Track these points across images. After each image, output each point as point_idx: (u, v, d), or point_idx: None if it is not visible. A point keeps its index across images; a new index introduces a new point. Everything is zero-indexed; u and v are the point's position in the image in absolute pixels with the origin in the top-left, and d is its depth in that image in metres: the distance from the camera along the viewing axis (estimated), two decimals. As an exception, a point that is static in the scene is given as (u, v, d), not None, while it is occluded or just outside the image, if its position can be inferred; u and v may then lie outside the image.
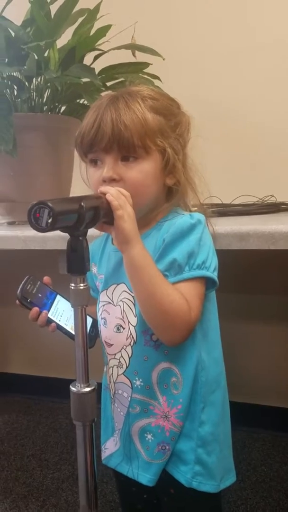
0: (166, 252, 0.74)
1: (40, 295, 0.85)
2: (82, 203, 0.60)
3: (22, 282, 0.84)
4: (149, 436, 0.81)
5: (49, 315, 0.84)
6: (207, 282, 0.76)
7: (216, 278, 0.76)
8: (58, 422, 1.90)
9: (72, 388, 0.64)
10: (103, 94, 0.81)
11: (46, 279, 0.88)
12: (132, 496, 0.90)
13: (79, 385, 0.64)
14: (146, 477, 0.81)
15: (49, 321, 0.84)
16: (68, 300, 0.84)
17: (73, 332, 0.82)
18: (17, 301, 0.83)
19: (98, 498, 1.40)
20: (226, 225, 1.00)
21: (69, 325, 0.84)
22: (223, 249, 0.98)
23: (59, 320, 0.84)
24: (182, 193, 0.81)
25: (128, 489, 0.84)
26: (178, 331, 0.72)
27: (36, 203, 0.55)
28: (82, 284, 0.62)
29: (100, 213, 0.65)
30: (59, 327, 0.84)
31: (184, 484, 0.79)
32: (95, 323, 0.89)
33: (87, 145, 0.77)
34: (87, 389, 0.63)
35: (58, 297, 0.88)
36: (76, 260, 0.62)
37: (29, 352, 2.14)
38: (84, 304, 0.63)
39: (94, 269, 0.90)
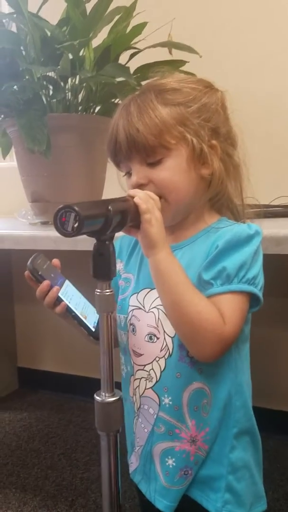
0: (217, 260, 0.70)
1: (50, 273, 0.80)
2: (110, 207, 0.58)
3: (32, 257, 0.78)
4: (170, 461, 0.75)
5: (59, 294, 0.77)
6: (251, 300, 0.71)
7: (262, 298, 0.71)
8: (89, 421, 1.90)
9: (97, 398, 0.62)
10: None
11: (55, 261, 0.83)
12: None
13: (103, 394, 0.62)
14: (163, 503, 0.76)
15: (59, 299, 0.77)
16: (77, 288, 0.78)
17: (81, 317, 0.78)
18: (26, 272, 0.78)
19: (127, 501, 1.39)
20: (263, 228, 0.96)
21: (78, 310, 0.79)
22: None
23: (69, 302, 0.78)
24: (218, 180, 0.75)
25: (151, 509, 0.78)
26: (207, 345, 0.68)
27: (62, 207, 0.54)
28: (108, 290, 0.61)
29: (127, 216, 0.63)
30: (69, 309, 0.78)
31: None
32: None
33: (111, 156, 0.77)
34: (112, 399, 0.62)
35: (67, 282, 0.82)
36: (102, 265, 0.60)
37: (63, 350, 2.16)
38: (110, 310, 0.62)
39: (119, 265, 0.86)
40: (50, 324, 2.10)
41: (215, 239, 0.73)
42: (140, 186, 0.73)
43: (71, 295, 0.80)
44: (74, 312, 0.78)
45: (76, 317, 0.78)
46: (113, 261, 0.61)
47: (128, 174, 0.77)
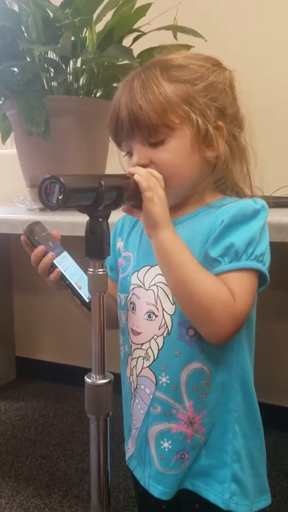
0: (223, 235, 0.67)
1: (47, 241, 0.77)
2: (102, 182, 0.56)
3: (30, 223, 0.77)
4: (166, 444, 0.72)
5: (55, 261, 0.75)
6: (259, 278, 0.68)
7: (268, 277, 0.68)
8: (85, 412, 1.87)
9: (87, 379, 0.60)
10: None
11: (55, 232, 0.81)
12: (150, 507, 0.80)
13: (94, 376, 0.60)
14: (157, 489, 0.73)
15: (53, 266, 0.75)
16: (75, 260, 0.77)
17: (75, 287, 0.76)
18: (22, 237, 0.75)
19: (121, 493, 1.38)
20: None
21: (73, 280, 0.76)
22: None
23: (64, 271, 0.76)
24: (223, 163, 0.72)
25: (147, 500, 0.76)
26: (219, 325, 0.64)
27: (47, 177, 0.51)
28: (100, 269, 0.58)
29: (123, 194, 0.60)
30: (63, 277, 0.75)
31: (222, 508, 0.70)
32: None
33: (112, 135, 0.75)
34: (103, 381, 0.59)
35: (66, 253, 0.80)
36: (95, 243, 0.57)
37: (62, 340, 2.14)
38: (103, 291, 0.59)
39: (119, 244, 0.84)
40: (49, 314, 2.09)
41: (219, 214, 0.69)
42: (141, 166, 0.70)
43: (67, 265, 0.78)
44: (68, 280, 0.75)
45: (70, 285, 0.76)
46: (106, 240, 0.58)
47: (129, 154, 0.74)
